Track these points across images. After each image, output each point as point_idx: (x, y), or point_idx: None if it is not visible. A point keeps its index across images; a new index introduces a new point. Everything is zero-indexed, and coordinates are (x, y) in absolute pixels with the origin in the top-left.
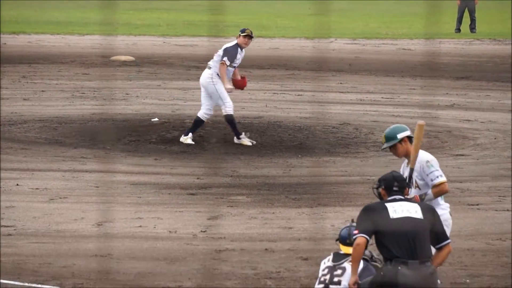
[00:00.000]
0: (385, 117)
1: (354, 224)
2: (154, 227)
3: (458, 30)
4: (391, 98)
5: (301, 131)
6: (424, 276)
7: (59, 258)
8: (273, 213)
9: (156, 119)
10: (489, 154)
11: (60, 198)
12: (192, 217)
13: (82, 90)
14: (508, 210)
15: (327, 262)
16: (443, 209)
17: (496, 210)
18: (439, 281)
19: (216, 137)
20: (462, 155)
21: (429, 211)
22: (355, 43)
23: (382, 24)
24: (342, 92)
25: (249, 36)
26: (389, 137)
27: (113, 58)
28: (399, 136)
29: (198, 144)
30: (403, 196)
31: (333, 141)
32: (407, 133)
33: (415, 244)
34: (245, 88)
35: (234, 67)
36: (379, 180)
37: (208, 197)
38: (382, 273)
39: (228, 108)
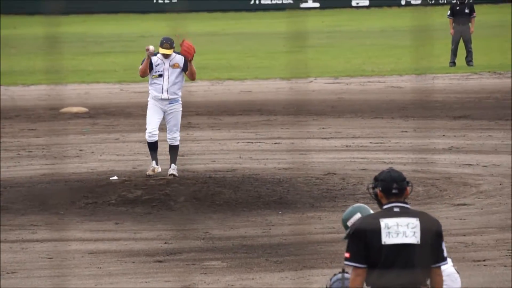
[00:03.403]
0: (375, 165)
1: (347, 275)
2: None
3: (453, 63)
4: (380, 143)
5: (281, 184)
6: None
7: None
8: (253, 279)
9: (115, 177)
10: (494, 202)
11: (8, 273)
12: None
13: (29, 148)
14: None
15: None
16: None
17: (505, 266)
18: None
19: (184, 194)
20: (464, 204)
21: (430, 228)
22: (337, 82)
23: (366, 60)
24: (325, 138)
25: (167, 48)
26: (345, 226)
27: (63, 110)
28: (349, 223)
29: (164, 203)
30: (403, 199)
31: (317, 194)
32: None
33: (405, 275)
34: (193, 54)
35: (161, 75)
36: (376, 179)
37: (178, 264)
38: None
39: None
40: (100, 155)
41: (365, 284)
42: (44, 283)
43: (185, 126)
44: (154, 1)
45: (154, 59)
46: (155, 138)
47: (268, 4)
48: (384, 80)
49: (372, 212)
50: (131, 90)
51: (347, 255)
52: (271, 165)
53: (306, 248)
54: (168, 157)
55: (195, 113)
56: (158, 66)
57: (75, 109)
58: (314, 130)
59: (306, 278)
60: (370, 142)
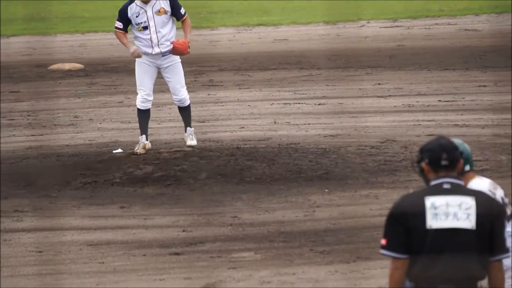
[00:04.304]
0: (446, 128)
1: None
2: None
3: None
4: (452, 101)
5: (327, 155)
6: None
7: None
8: (294, 274)
9: (120, 150)
10: None
11: None
12: (179, 286)
13: (11, 115)
14: None
15: None
16: None
17: None
18: None
19: (206, 170)
20: None
21: (489, 211)
22: (396, 26)
23: None
24: (382, 97)
25: None
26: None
27: (53, 67)
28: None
29: (181, 182)
30: (455, 174)
31: (373, 167)
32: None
33: (457, 267)
34: (187, 50)
35: (146, 27)
36: (421, 151)
37: (200, 257)
38: None
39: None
40: (100, 123)
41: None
42: (32, 283)
43: (206, 84)
44: None
45: (132, 8)
46: (148, 105)
47: None
48: (456, 22)
49: (467, 148)
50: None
51: (383, 242)
52: (314, 131)
53: (360, 234)
54: (180, 123)
55: (218, 68)
56: (140, 16)
57: (67, 66)
58: (368, 87)
59: (361, 272)
60: (439, 100)
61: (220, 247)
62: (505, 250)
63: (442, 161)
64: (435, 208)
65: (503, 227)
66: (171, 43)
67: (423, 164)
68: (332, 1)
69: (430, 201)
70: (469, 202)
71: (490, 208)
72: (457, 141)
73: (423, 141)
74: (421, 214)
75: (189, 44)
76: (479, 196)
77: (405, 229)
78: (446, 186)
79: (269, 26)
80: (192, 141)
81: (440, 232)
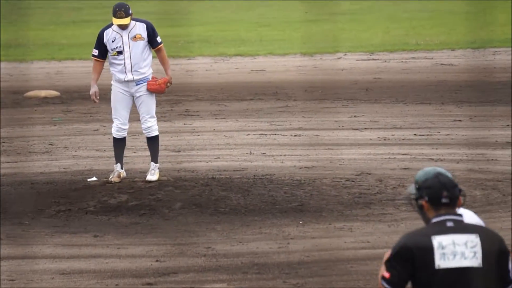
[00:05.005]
0: (421, 163)
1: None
2: None
3: None
4: (428, 135)
5: (302, 186)
6: None
7: None
8: None
9: (95, 178)
10: None
11: None
12: None
13: None
14: None
15: None
16: None
17: None
18: None
19: (181, 200)
20: None
21: (493, 246)
22: (373, 59)
23: (410, 30)
24: (357, 130)
25: (122, 16)
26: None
27: (29, 94)
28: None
29: (156, 211)
30: (455, 211)
31: (347, 200)
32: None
33: None
34: (163, 91)
35: (120, 52)
36: (420, 188)
37: None
38: None
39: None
40: (75, 151)
41: None
42: None
43: (182, 114)
44: None
45: (108, 33)
46: (123, 134)
47: None
48: (432, 56)
49: (450, 176)
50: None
51: (386, 275)
52: (290, 163)
53: (335, 267)
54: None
55: (195, 97)
56: (116, 41)
57: (43, 93)
58: (344, 119)
59: None
60: (414, 134)
61: (194, 277)
62: (510, 282)
63: (443, 199)
64: (443, 248)
65: (507, 260)
66: (147, 82)
67: (423, 202)
68: (309, 33)
69: (437, 241)
70: (474, 240)
71: (493, 243)
72: (439, 169)
73: (397, 174)
74: (429, 254)
75: (170, 81)
76: (482, 233)
77: (411, 268)
78: (449, 224)
79: (246, 57)
80: (152, 177)
81: (449, 272)
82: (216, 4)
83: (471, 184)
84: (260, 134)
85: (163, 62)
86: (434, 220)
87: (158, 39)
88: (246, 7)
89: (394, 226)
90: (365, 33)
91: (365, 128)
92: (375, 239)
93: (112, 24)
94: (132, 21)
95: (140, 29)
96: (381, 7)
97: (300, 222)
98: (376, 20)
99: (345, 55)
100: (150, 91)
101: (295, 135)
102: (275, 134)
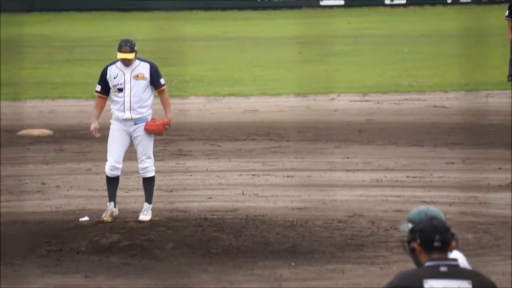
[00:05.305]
0: (413, 205)
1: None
2: None
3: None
4: (420, 177)
5: (294, 228)
6: None
7: None
8: None
9: (86, 218)
10: None
11: None
12: None
13: None
14: None
15: None
16: None
17: None
18: None
19: (173, 240)
20: None
21: None
22: (366, 100)
23: (403, 72)
24: (350, 171)
25: (127, 51)
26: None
27: (22, 132)
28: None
29: (147, 252)
30: (447, 255)
31: (340, 242)
32: None
33: None
34: (161, 132)
35: (121, 90)
36: (413, 231)
37: None
38: None
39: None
40: (67, 190)
41: None
42: None
43: (175, 153)
44: None
45: (112, 69)
46: (117, 173)
47: (279, 1)
48: (425, 98)
49: (443, 219)
50: (107, 107)
51: None
52: (282, 203)
53: None
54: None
55: (188, 137)
56: (117, 77)
57: (36, 132)
58: (336, 160)
59: None
60: (407, 176)
61: None
62: None
63: (435, 243)
64: None
65: None
66: (146, 123)
67: (415, 245)
68: (303, 73)
69: (429, 284)
70: (467, 287)
71: None
72: (433, 210)
73: (390, 216)
74: None
75: (169, 123)
76: (475, 278)
77: None
78: (443, 268)
79: (240, 97)
80: (144, 217)
81: None
82: (209, 44)
83: (463, 227)
84: (252, 175)
85: (164, 104)
86: (428, 264)
87: (162, 81)
88: (239, 47)
89: (387, 269)
90: (358, 74)
91: (358, 170)
92: (367, 282)
93: (117, 61)
94: (136, 60)
95: (143, 68)
96: (374, 49)
97: (292, 264)
98: (369, 62)
99: (338, 96)
100: (148, 131)
101: (287, 176)
102: (268, 175)
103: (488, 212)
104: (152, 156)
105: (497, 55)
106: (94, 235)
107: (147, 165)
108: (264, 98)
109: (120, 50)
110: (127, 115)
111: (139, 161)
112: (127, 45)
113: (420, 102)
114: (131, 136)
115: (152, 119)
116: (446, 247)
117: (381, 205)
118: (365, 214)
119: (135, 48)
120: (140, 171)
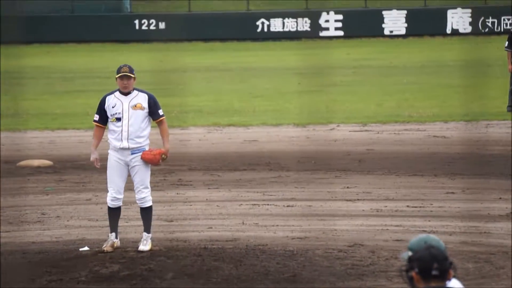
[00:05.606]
0: (413, 234)
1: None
2: None
3: (511, 108)
4: (420, 206)
5: (295, 257)
6: None
7: None
8: None
9: (86, 248)
10: None
11: None
12: None
13: None
14: None
15: None
16: None
17: None
18: None
19: (173, 270)
20: None
21: None
22: (365, 130)
23: (402, 103)
24: (350, 201)
25: (125, 76)
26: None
27: (22, 163)
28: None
29: (147, 281)
30: (445, 284)
31: (340, 271)
32: None
33: None
34: (158, 162)
35: (119, 119)
36: (411, 259)
37: None
38: None
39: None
40: (68, 220)
41: None
42: None
43: (175, 183)
44: (137, 27)
45: (110, 99)
46: (118, 203)
47: (279, 32)
48: (425, 128)
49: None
50: (106, 138)
51: None
52: (282, 233)
53: None
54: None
55: (188, 167)
56: (116, 107)
57: (36, 162)
58: (336, 190)
59: None
60: (407, 206)
61: None
62: None
63: (433, 271)
64: None
65: None
66: (142, 152)
67: (413, 273)
68: (302, 104)
69: None
70: None
71: None
72: (432, 239)
73: (390, 246)
74: None
75: (166, 153)
76: None
77: None
78: None
79: (240, 127)
80: (144, 247)
81: None
82: (209, 75)
83: (464, 257)
84: (252, 204)
85: (163, 134)
86: None
87: (160, 111)
88: (239, 78)
89: None
90: (358, 104)
91: (358, 199)
92: None
93: (115, 91)
94: (135, 90)
95: (141, 99)
96: (373, 80)
97: None
98: (368, 92)
99: (338, 126)
100: (144, 160)
101: (288, 206)
102: (268, 205)
103: (488, 241)
104: (149, 186)
105: (497, 86)
106: (94, 265)
107: (145, 195)
108: (264, 128)
109: (119, 71)
110: (125, 144)
111: (136, 191)
112: (126, 66)
113: (420, 132)
114: (128, 166)
115: (149, 149)
116: (444, 275)
117: (382, 234)
118: (365, 243)
119: (134, 72)
120: (138, 201)
